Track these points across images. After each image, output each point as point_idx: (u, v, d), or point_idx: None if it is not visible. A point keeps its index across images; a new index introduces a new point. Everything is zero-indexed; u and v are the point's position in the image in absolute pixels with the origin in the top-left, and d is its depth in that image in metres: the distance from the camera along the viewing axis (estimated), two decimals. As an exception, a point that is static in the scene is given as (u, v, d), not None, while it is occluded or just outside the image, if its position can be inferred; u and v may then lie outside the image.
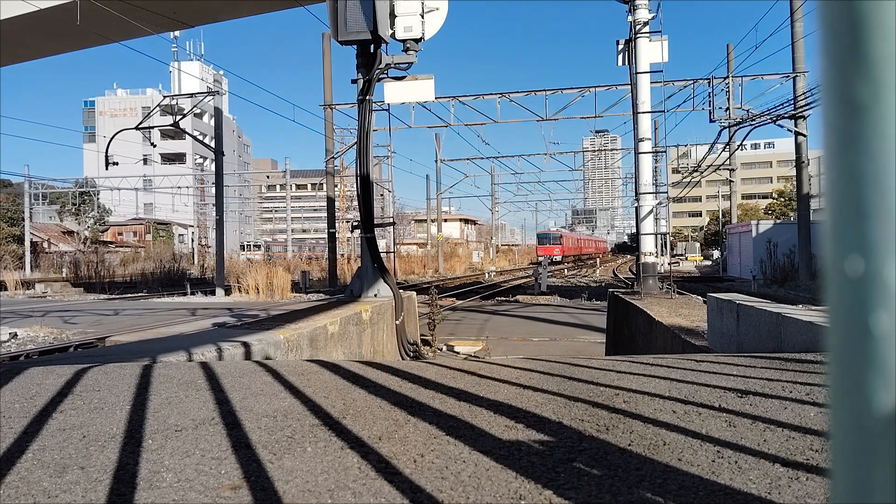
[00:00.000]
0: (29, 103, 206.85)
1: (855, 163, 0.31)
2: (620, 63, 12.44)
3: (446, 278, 35.66)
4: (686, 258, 63.06)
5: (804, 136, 21.58)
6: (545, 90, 24.86)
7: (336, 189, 33.01)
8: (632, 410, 2.66)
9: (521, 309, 17.96)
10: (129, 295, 24.65)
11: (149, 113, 26.45)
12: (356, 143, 11.00)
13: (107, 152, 24.23)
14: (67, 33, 18.83)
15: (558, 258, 55.72)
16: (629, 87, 13.46)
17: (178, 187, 51.83)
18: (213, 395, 3.16)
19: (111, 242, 58.46)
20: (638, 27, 11.87)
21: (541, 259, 48.89)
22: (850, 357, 0.32)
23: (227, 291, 23.23)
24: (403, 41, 10.25)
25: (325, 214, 29.17)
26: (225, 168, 25.34)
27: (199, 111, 62.21)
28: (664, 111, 21.41)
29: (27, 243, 42.92)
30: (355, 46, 10.35)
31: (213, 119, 30.35)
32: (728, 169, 32.32)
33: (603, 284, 28.53)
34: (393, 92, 10.98)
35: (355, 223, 10.77)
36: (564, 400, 2.89)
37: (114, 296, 24.30)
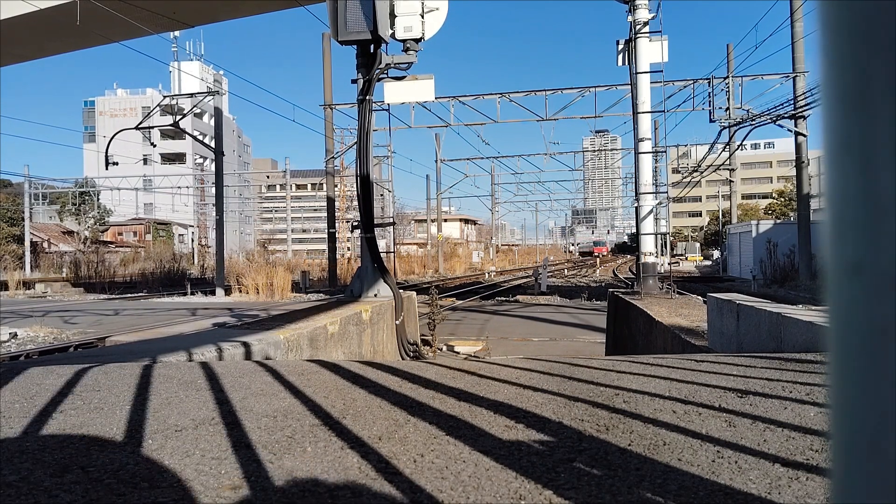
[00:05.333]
0: (29, 103, 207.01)
1: (855, 163, 0.31)
2: (620, 63, 12.44)
3: (446, 278, 35.66)
4: (686, 258, 63.11)
5: (804, 136, 21.58)
6: (545, 90, 24.86)
7: (336, 189, 33.01)
8: (632, 410, 2.66)
9: (522, 309, 17.96)
10: (129, 295, 24.65)
11: (149, 113, 26.46)
12: (356, 143, 11.00)
13: (107, 152, 24.23)
14: (68, 33, 18.82)
15: (605, 253, 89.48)
16: (629, 87, 13.46)
17: (178, 187, 51.81)
18: (213, 395, 3.16)
19: (111, 242, 58.45)
20: (638, 27, 11.87)
21: (594, 255, 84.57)
22: (851, 356, 0.32)
23: (227, 291, 23.23)
24: (403, 41, 10.25)
25: (325, 214, 29.17)
26: (225, 168, 25.34)
27: (199, 111, 62.21)
28: (664, 111, 21.45)
29: (27, 243, 42.91)
30: (355, 46, 10.35)
31: (213, 119, 30.35)
32: (728, 169, 32.32)
33: (603, 284, 28.54)
34: (393, 92, 10.98)
35: (355, 223, 10.77)
36: (564, 400, 2.89)
37: (114, 296, 24.30)
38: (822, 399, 2.76)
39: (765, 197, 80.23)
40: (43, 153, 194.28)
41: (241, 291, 22.69)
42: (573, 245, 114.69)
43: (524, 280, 33.28)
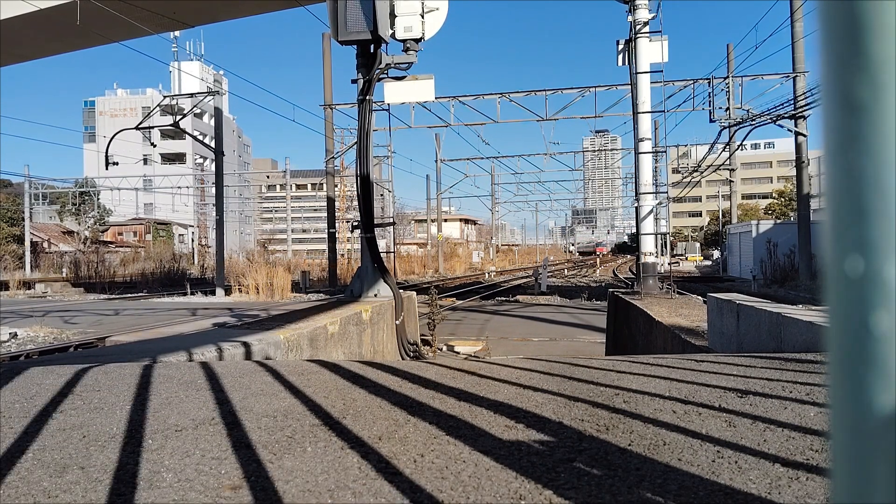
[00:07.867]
0: (29, 103, 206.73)
1: (855, 163, 0.31)
2: (620, 63, 12.44)
3: (446, 278, 35.66)
4: (686, 258, 63.12)
5: (804, 136, 21.58)
6: (545, 90, 24.86)
7: (336, 189, 33.01)
8: (632, 410, 2.66)
9: (522, 309, 17.96)
10: (130, 295, 24.64)
11: (149, 113, 26.45)
12: (356, 143, 11.01)
13: (107, 152, 24.24)
14: (68, 33, 18.83)
15: (604, 253, 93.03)
16: (629, 87, 13.47)
17: (178, 187, 51.82)
18: (213, 395, 3.16)
19: (111, 242, 58.45)
20: (638, 27, 11.87)
21: (595, 255, 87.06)
22: (850, 357, 0.32)
23: (228, 291, 23.23)
24: (403, 41, 10.24)
25: (325, 214, 29.16)
26: (225, 168, 25.33)
27: (199, 111, 62.20)
28: (664, 111, 21.45)
29: (27, 243, 42.92)
30: (355, 46, 10.35)
31: (213, 119, 30.34)
32: (728, 169, 32.31)
33: (603, 284, 28.54)
34: (393, 92, 10.98)
35: (355, 223, 10.77)
36: (564, 400, 2.89)
37: (114, 296, 24.30)
38: (822, 399, 2.76)
39: (765, 197, 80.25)
40: (43, 153, 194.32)
41: (241, 291, 22.69)
42: (573, 245, 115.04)
43: (524, 280, 33.28)
